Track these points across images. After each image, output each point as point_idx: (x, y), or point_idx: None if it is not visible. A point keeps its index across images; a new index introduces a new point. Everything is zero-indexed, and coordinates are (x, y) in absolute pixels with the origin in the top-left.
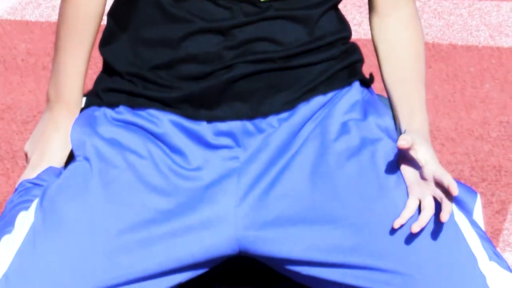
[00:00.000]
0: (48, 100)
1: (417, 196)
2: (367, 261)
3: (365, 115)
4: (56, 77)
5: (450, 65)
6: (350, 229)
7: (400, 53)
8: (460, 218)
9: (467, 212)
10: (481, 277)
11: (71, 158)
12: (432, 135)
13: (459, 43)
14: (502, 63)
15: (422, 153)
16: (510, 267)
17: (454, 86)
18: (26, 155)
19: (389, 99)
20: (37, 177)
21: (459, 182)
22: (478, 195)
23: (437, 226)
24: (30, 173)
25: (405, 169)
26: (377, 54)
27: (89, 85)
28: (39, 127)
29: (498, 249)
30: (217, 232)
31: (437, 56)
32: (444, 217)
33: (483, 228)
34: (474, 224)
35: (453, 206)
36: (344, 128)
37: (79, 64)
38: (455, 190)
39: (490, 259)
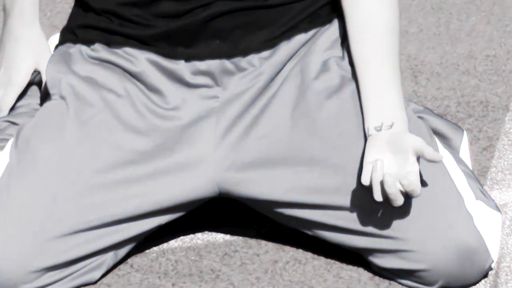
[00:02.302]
0: (4, 11)
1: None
2: (349, 201)
3: (345, 52)
4: None
5: None
6: (331, 169)
7: (372, 31)
8: (445, 156)
9: (454, 149)
10: (468, 216)
11: (46, 96)
12: (417, 70)
13: None
14: None
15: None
16: (498, 206)
17: (439, 18)
18: None
19: (357, 77)
20: (11, 115)
21: (445, 119)
22: (465, 131)
23: (422, 164)
24: None
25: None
26: (346, 22)
27: (65, 21)
28: (0, 43)
29: (485, 188)
30: (196, 174)
31: None
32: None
33: (470, 166)
34: (460, 162)
35: (439, 144)
36: (325, 66)
37: None
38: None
39: (477, 198)
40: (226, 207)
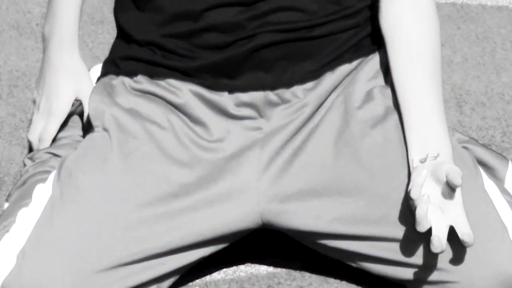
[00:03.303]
0: (44, 39)
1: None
2: (393, 232)
3: (389, 82)
4: (50, 12)
5: (480, 26)
6: (375, 199)
7: (414, 58)
8: (490, 186)
9: (499, 180)
10: (511, 246)
11: (88, 128)
12: (461, 99)
13: (489, 4)
14: None
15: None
16: None
17: (484, 48)
18: (34, 102)
19: (400, 106)
20: (53, 146)
21: (490, 149)
22: (510, 162)
23: (466, 194)
24: (40, 120)
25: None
26: (387, 48)
27: (107, 52)
28: (41, 72)
29: None
30: (239, 205)
31: (466, 17)
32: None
33: None
34: (505, 192)
35: (483, 174)
36: (368, 96)
37: None
38: (455, 178)
39: None
40: (269, 238)
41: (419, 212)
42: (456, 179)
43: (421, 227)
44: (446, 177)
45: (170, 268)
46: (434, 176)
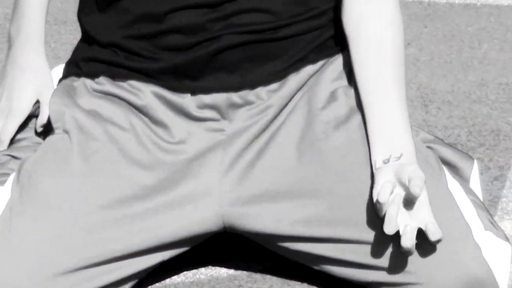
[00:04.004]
0: (9, 39)
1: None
2: (357, 234)
3: (353, 82)
4: (17, 11)
5: (447, 24)
6: (338, 201)
7: (376, 58)
8: (454, 186)
9: (463, 179)
10: (476, 247)
11: (48, 130)
12: (427, 98)
13: (456, 1)
14: (501, 22)
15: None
16: (508, 236)
17: (451, 46)
18: None
19: (363, 106)
20: (12, 148)
21: (455, 149)
22: (475, 161)
23: (430, 195)
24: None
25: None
26: (350, 49)
27: (69, 52)
28: (3, 71)
29: (496, 218)
30: (201, 208)
31: (433, 15)
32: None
33: (480, 196)
34: (469, 192)
35: (448, 174)
36: (332, 96)
37: None
38: (414, 189)
39: (486, 228)
40: (230, 241)
41: (389, 214)
42: (415, 190)
43: (390, 229)
44: (409, 182)
45: (129, 271)
46: (397, 178)
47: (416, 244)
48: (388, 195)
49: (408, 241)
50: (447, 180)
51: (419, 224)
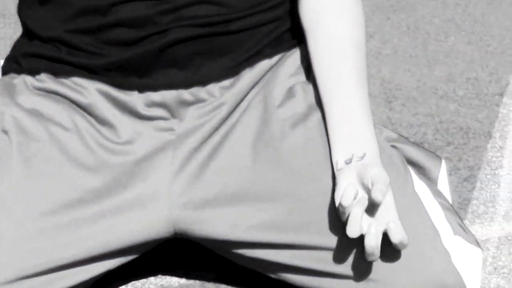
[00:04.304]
0: None
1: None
2: (317, 240)
3: (312, 77)
4: None
5: (411, 15)
6: (297, 204)
7: (336, 52)
8: (421, 188)
9: (431, 180)
10: (444, 253)
11: None
12: (391, 94)
13: None
14: (469, 13)
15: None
16: (479, 241)
17: (416, 39)
18: None
19: (323, 103)
20: None
21: (422, 148)
22: (443, 161)
23: (395, 197)
24: None
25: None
26: (308, 43)
27: (8, 48)
28: None
29: (466, 222)
30: (150, 212)
31: (396, 6)
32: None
33: (449, 198)
34: (437, 194)
35: (414, 175)
36: (290, 93)
37: None
38: (376, 194)
39: (455, 233)
40: (182, 248)
41: (353, 215)
42: (377, 196)
43: (354, 231)
44: (372, 185)
45: (75, 281)
46: (359, 180)
47: (381, 251)
48: (351, 198)
49: (373, 240)
50: (413, 181)
51: (385, 227)
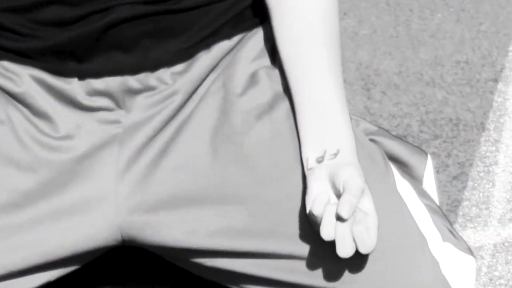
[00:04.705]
0: None
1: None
2: (286, 248)
3: (277, 61)
4: None
5: None
6: (263, 207)
7: (305, 32)
8: (404, 187)
9: (415, 179)
10: (432, 262)
11: None
12: (369, 81)
13: None
14: None
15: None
16: (471, 249)
17: (397, 17)
18: None
19: (291, 91)
20: None
21: (405, 142)
22: (429, 156)
23: (375, 199)
24: None
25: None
26: (272, 21)
27: None
28: None
29: (457, 226)
30: (93, 217)
31: None
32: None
33: (436, 200)
34: (423, 195)
35: (396, 173)
36: (252, 79)
37: None
38: (341, 210)
39: (444, 239)
40: (132, 257)
41: (325, 223)
42: (343, 211)
43: (329, 232)
44: (341, 195)
45: None
46: (331, 182)
47: (361, 260)
48: (322, 207)
49: (341, 240)
50: (395, 180)
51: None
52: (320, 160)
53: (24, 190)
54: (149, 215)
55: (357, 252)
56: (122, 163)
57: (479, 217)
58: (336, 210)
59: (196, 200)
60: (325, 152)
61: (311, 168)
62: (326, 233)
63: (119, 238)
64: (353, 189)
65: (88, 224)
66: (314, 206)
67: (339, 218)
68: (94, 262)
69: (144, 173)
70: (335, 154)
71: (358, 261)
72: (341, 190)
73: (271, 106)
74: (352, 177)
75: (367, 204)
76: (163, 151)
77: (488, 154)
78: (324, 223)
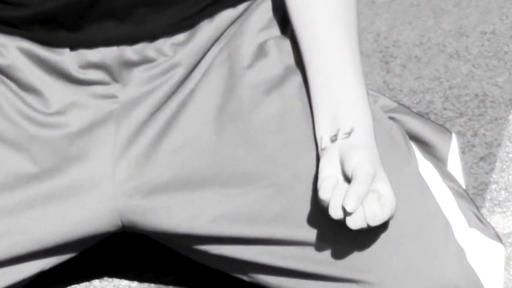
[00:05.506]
0: None
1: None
2: (298, 234)
3: (288, 31)
4: None
5: None
6: (272, 190)
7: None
8: (427, 169)
9: (439, 160)
10: (458, 250)
11: None
12: (388, 53)
13: None
14: None
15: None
16: (500, 235)
17: None
18: None
19: (304, 64)
20: None
21: (427, 120)
22: (454, 136)
23: (396, 182)
24: None
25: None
26: None
27: None
28: None
29: (484, 211)
30: (89, 200)
31: None
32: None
33: (462, 183)
34: (448, 177)
35: (418, 154)
36: (261, 51)
37: None
38: (347, 202)
39: (471, 225)
40: (133, 244)
41: (333, 204)
42: (348, 204)
43: (337, 214)
44: (351, 179)
45: None
46: (341, 163)
47: (379, 247)
48: (330, 191)
49: (357, 218)
50: (417, 161)
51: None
52: (333, 139)
53: (13, 170)
54: (149, 199)
55: (374, 240)
56: (120, 142)
57: (508, 201)
58: (342, 202)
59: (200, 183)
60: (338, 130)
61: (324, 148)
62: (333, 212)
63: (119, 223)
64: (362, 176)
65: (83, 208)
66: (321, 191)
67: None
68: (92, 249)
69: (144, 153)
70: (349, 133)
71: (375, 249)
72: (350, 176)
73: (282, 80)
74: (361, 162)
75: (384, 188)
76: (164, 130)
77: None
78: (332, 204)
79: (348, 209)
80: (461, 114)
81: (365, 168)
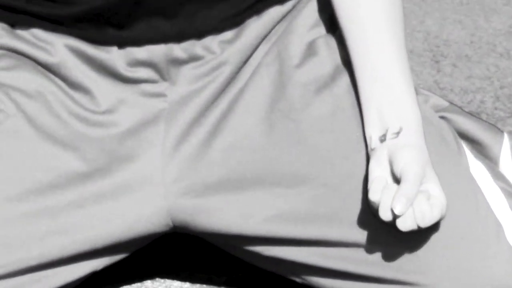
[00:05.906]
0: None
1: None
2: (351, 235)
3: (338, 30)
4: None
5: None
6: (324, 190)
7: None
8: (478, 169)
9: (491, 160)
10: (509, 251)
11: None
12: (438, 52)
13: None
14: None
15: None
16: None
17: None
18: None
19: (352, 63)
20: None
21: (479, 119)
22: (506, 135)
23: (446, 182)
24: None
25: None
26: None
27: None
28: None
29: None
30: (140, 201)
31: None
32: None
33: None
34: (499, 177)
35: (469, 154)
36: (310, 50)
37: None
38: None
39: None
40: (185, 245)
41: (383, 205)
42: (396, 207)
43: (385, 215)
44: (400, 180)
45: (48, 286)
46: (390, 164)
47: (432, 250)
48: (379, 193)
49: (407, 220)
50: (468, 161)
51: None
52: (382, 139)
53: (64, 169)
54: (201, 199)
55: (426, 241)
56: (170, 142)
57: None
58: (391, 204)
59: (251, 183)
60: (387, 130)
61: (374, 148)
62: (383, 214)
63: (170, 223)
64: (410, 177)
65: (134, 208)
66: (370, 192)
67: None
68: (144, 250)
69: (195, 153)
70: (397, 133)
71: (427, 250)
72: (399, 177)
73: (332, 78)
74: (409, 163)
75: (433, 188)
76: (215, 129)
77: None
78: (381, 207)
79: (397, 212)
80: None
81: (413, 169)
